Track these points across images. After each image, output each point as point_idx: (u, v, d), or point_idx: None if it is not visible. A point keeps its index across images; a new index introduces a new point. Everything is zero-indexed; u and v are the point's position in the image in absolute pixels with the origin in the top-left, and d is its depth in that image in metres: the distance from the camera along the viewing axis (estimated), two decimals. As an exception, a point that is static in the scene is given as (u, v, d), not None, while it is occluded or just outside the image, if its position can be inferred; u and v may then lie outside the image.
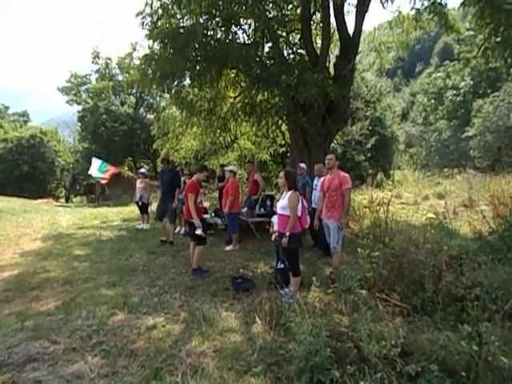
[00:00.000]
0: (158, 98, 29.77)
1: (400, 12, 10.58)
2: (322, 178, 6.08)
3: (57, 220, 12.67)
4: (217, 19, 8.98)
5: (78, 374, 3.27)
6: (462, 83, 34.09)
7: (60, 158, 33.21)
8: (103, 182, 11.78)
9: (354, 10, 9.37)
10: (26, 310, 4.79)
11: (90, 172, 10.90)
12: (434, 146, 33.69)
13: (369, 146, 20.22)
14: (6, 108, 46.88)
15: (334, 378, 2.94)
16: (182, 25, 8.55)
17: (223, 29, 9.06)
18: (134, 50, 28.84)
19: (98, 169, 10.73)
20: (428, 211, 10.70)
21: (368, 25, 11.51)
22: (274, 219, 5.10)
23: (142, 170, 11.11)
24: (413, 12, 10.28)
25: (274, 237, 5.13)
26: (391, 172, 24.18)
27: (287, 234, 4.61)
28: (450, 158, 31.30)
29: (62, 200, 33.14)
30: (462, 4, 9.16)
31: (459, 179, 19.83)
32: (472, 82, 33.25)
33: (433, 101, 37.95)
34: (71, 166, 35.35)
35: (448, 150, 31.97)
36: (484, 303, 3.70)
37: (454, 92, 34.53)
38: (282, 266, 5.17)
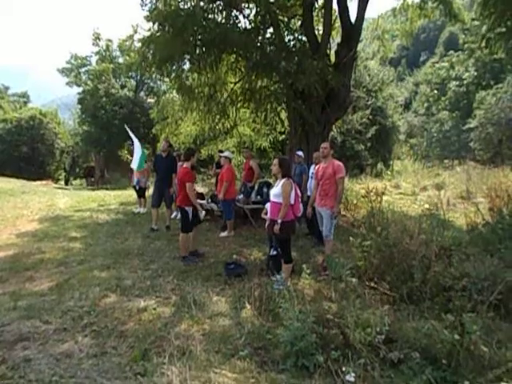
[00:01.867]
0: (158, 82, 29.56)
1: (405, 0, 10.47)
2: (317, 166, 6.08)
3: (54, 202, 12.70)
4: (217, 3, 8.90)
5: (67, 353, 3.32)
6: (466, 74, 33.89)
7: (60, 140, 33.03)
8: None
9: (357, -4, 9.26)
10: (19, 289, 4.84)
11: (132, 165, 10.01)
12: (436, 137, 33.61)
13: (369, 135, 20.15)
14: (6, 88, 46.55)
15: (317, 363, 3.00)
16: (181, 7, 8.43)
17: (224, 13, 8.96)
18: (135, 32, 28.47)
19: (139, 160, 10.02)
20: (425, 202, 10.72)
21: (372, 12, 11.38)
22: (268, 206, 5.11)
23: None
24: (417, 0, 10.21)
25: (266, 224, 5.16)
26: (391, 162, 24.13)
27: (279, 221, 4.64)
28: (451, 150, 31.26)
29: (62, 182, 33.12)
30: (468, -8, 9.04)
31: (459, 171, 19.84)
32: (476, 73, 33.04)
33: (436, 91, 37.74)
34: (71, 148, 35.24)
35: (449, 142, 31.92)
36: (470, 293, 3.75)
37: (458, 83, 34.34)
38: (275, 252, 5.21)
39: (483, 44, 9.26)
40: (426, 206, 9.32)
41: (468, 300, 3.57)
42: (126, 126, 11.14)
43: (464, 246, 5.22)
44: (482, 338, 2.94)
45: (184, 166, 6.22)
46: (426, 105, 39.65)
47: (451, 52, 40.52)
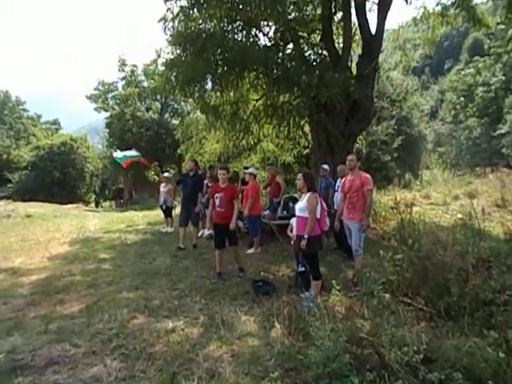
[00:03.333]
0: (182, 103, 30.15)
1: (425, 8, 10.31)
2: (343, 179, 5.96)
3: (85, 224, 12.97)
4: (237, 23, 9.00)
5: (96, 377, 3.30)
6: (494, 79, 32.98)
7: (89, 164, 34.08)
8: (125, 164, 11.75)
9: (376, 7, 9.21)
10: (50, 312, 4.88)
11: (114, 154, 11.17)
12: (465, 145, 32.79)
13: (395, 145, 19.81)
14: (39, 117, 48.62)
15: (352, 386, 2.85)
16: (201, 28, 8.58)
17: (244, 32, 9.06)
18: (159, 56, 29.23)
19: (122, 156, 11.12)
20: (458, 212, 10.35)
21: (392, 23, 11.29)
22: (293, 221, 5.01)
23: (166, 174, 11.23)
24: (439, 7, 10.03)
25: (292, 240, 5.05)
26: (419, 172, 23.60)
27: (305, 236, 4.53)
28: (482, 157, 30.38)
29: (92, 205, 33.94)
30: (491, -4, 8.84)
31: (491, 178, 19.16)
32: (504, 78, 32.11)
33: (462, 98, 36.86)
34: (100, 171, 36.22)
35: (479, 149, 31.06)
36: (514, 308, 3.52)
37: (485, 88, 33.43)
38: (303, 269, 5.09)
39: (510, 47, 9.00)
40: (459, 215, 8.98)
41: (512, 315, 3.34)
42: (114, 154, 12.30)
43: (503, 257, 4.95)
44: (531, 356, 2.72)
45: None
46: (453, 112, 38.78)
47: (477, 58, 39.67)
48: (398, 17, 12.19)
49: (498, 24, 12.78)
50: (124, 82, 32.16)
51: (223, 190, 6.17)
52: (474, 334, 3.39)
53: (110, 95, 32.17)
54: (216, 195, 6.16)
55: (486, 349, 2.87)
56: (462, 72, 40.73)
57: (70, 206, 23.31)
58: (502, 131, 27.37)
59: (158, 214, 14.48)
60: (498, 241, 6.83)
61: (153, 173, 29.21)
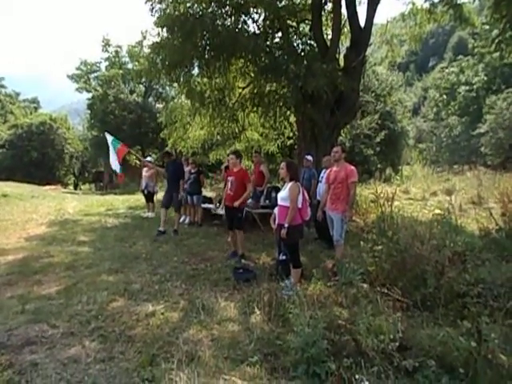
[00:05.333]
0: (167, 88, 29.72)
1: (414, 4, 10.38)
2: (329, 170, 6.01)
3: (63, 206, 12.75)
4: (226, 8, 8.90)
5: (74, 358, 3.27)
6: (476, 79, 33.66)
7: (69, 145, 33.37)
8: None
9: (366, 0, 9.23)
10: (27, 293, 4.80)
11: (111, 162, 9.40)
12: (445, 142, 33.41)
13: (378, 140, 20.02)
14: (17, 94, 47.26)
15: (329, 371, 2.92)
16: (190, 11, 8.44)
17: (232, 18, 8.97)
18: (144, 38, 28.80)
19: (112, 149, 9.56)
20: (436, 207, 10.57)
21: (380, 17, 11.33)
22: (276, 211, 5.05)
23: (148, 158, 11.11)
24: (427, 4, 10.12)
25: (274, 228, 5.09)
26: (400, 167, 23.97)
27: (286, 225, 4.58)
28: (461, 155, 31.04)
29: (71, 187, 33.39)
30: (478, -5, 8.95)
31: (469, 176, 19.62)
32: (486, 78, 32.80)
33: (445, 96, 37.49)
34: (80, 153, 35.54)
35: (459, 147, 31.70)
36: (486, 300, 3.64)
37: (467, 88, 34.09)
38: (284, 257, 5.14)
39: (493, 48, 9.17)
40: (437, 211, 9.19)
41: (484, 307, 3.46)
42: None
43: (478, 252, 5.11)
44: (500, 346, 2.83)
45: None
46: (435, 110, 39.43)
47: (460, 57, 40.33)
48: (386, 11, 12.26)
49: (483, 24, 13.00)
50: (107, 62, 31.46)
51: (235, 174, 6.36)
52: (447, 324, 3.50)
53: (92, 76, 31.42)
54: (229, 178, 6.44)
55: (458, 338, 2.97)
56: (446, 70, 41.42)
57: (47, 187, 22.82)
58: (481, 130, 27.98)
59: (138, 198, 14.37)
60: (472, 236, 7.01)
61: (134, 157, 28.82)
